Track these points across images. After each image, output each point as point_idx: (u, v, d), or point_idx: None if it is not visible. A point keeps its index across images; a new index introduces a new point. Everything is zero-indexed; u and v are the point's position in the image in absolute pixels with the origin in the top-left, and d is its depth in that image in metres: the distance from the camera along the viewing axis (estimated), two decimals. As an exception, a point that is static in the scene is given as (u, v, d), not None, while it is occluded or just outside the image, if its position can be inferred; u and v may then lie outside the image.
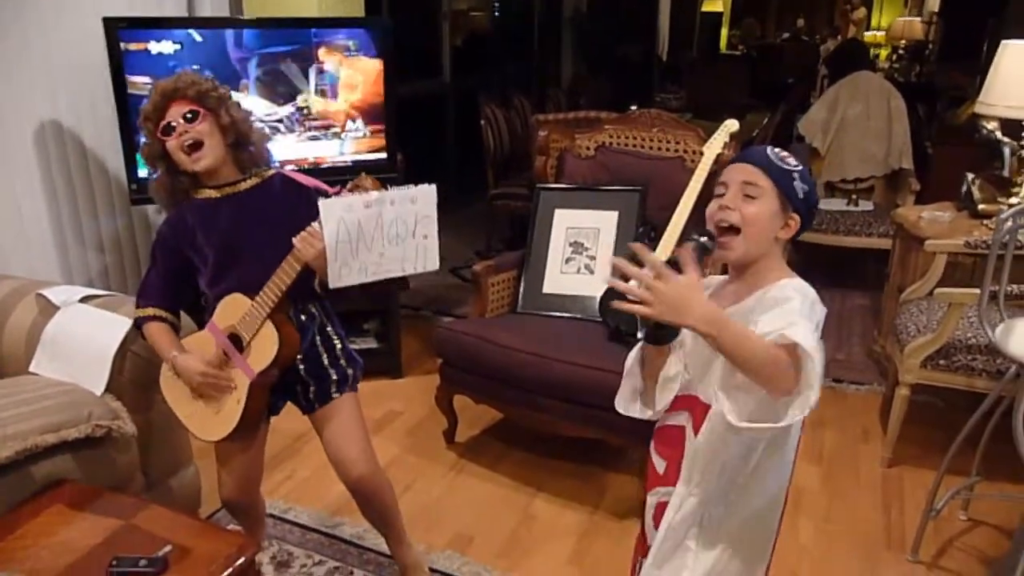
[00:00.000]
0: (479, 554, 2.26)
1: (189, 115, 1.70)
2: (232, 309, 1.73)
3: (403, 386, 3.22)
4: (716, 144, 2.64)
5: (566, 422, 2.47)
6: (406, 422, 2.98)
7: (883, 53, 10.91)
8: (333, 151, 3.11)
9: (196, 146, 1.70)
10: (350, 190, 1.61)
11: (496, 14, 6.97)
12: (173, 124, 1.70)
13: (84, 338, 2.03)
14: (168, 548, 1.55)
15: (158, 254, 1.84)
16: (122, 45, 2.70)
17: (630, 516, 2.41)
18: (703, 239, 1.28)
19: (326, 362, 1.85)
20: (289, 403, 1.91)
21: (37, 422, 1.78)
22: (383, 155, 3.20)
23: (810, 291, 1.27)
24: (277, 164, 1.85)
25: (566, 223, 2.77)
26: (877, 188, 4.43)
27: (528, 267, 2.79)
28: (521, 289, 2.79)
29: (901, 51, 9.66)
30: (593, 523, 2.40)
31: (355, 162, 3.13)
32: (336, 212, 1.55)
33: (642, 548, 1.54)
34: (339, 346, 1.88)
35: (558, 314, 2.69)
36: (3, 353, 2.11)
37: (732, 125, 2.67)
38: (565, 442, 2.66)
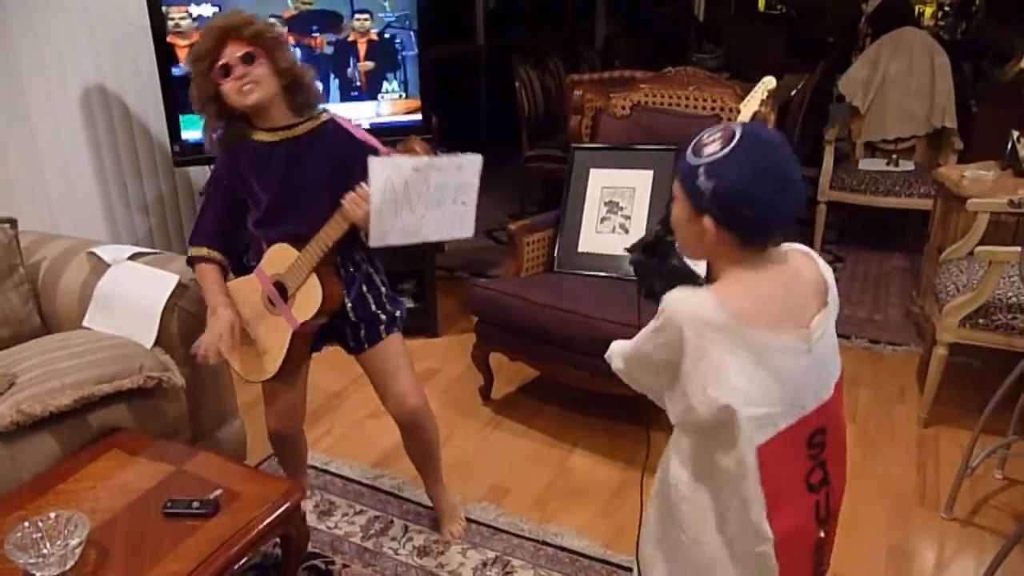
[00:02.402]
0: (514, 506, 2.31)
1: (246, 58, 1.68)
2: (279, 258, 1.78)
3: (439, 345, 3.27)
4: (753, 101, 2.58)
5: (601, 379, 2.49)
6: (442, 380, 3.03)
7: (928, 10, 10.55)
8: (370, 112, 3.14)
9: (253, 88, 1.69)
10: (400, 151, 1.63)
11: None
12: (230, 64, 1.68)
13: (134, 294, 2.10)
14: (219, 491, 1.63)
15: (212, 194, 1.87)
16: (164, 9, 2.74)
17: (663, 472, 2.45)
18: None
19: (373, 307, 1.90)
20: (325, 360, 1.97)
21: (92, 372, 1.86)
22: (418, 116, 3.23)
23: (682, 307, 1.15)
24: (326, 108, 1.85)
25: (601, 182, 2.78)
26: (918, 148, 4.34)
27: (563, 226, 2.81)
28: (556, 248, 2.81)
29: (947, 8, 9.34)
30: (627, 478, 2.44)
31: (391, 124, 3.16)
32: (384, 171, 1.58)
33: None
34: (384, 291, 1.94)
35: (593, 273, 2.71)
36: (58, 308, 2.19)
37: (769, 82, 2.61)
38: (600, 399, 2.69)
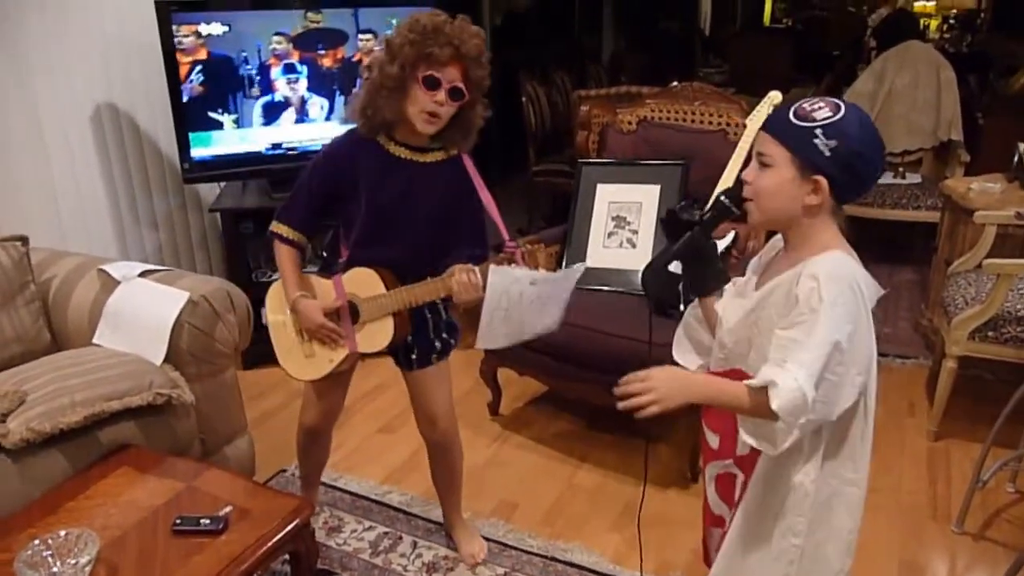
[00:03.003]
0: (523, 521, 2.31)
1: (455, 92, 1.64)
2: (364, 284, 1.77)
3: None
4: (759, 116, 2.61)
5: (608, 394, 2.48)
6: (450, 395, 3.03)
7: (933, 23, 10.59)
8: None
9: (436, 116, 1.65)
10: (523, 256, 1.63)
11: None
12: (440, 82, 1.62)
13: (144, 311, 2.11)
14: (228, 508, 1.63)
15: (313, 179, 1.79)
16: (174, 27, 2.77)
17: (673, 487, 2.44)
18: (726, 200, 1.29)
19: (432, 334, 1.90)
20: None
21: (102, 390, 1.87)
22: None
23: (846, 274, 1.17)
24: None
25: (608, 197, 2.78)
26: (925, 160, 4.34)
27: (571, 241, 2.81)
28: (564, 263, 2.81)
29: (952, 21, 9.37)
30: (636, 494, 2.42)
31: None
32: (503, 283, 1.58)
33: (709, 518, 1.56)
34: (444, 317, 1.93)
35: (601, 288, 2.70)
36: (68, 326, 2.20)
37: (775, 97, 2.64)
38: (608, 414, 2.67)
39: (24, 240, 2.17)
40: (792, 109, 1.20)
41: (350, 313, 1.79)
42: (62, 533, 1.45)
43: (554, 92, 5.01)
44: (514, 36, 6.28)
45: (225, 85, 2.92)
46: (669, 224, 1.35)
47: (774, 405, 1.13)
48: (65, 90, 2.80)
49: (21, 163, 2.68)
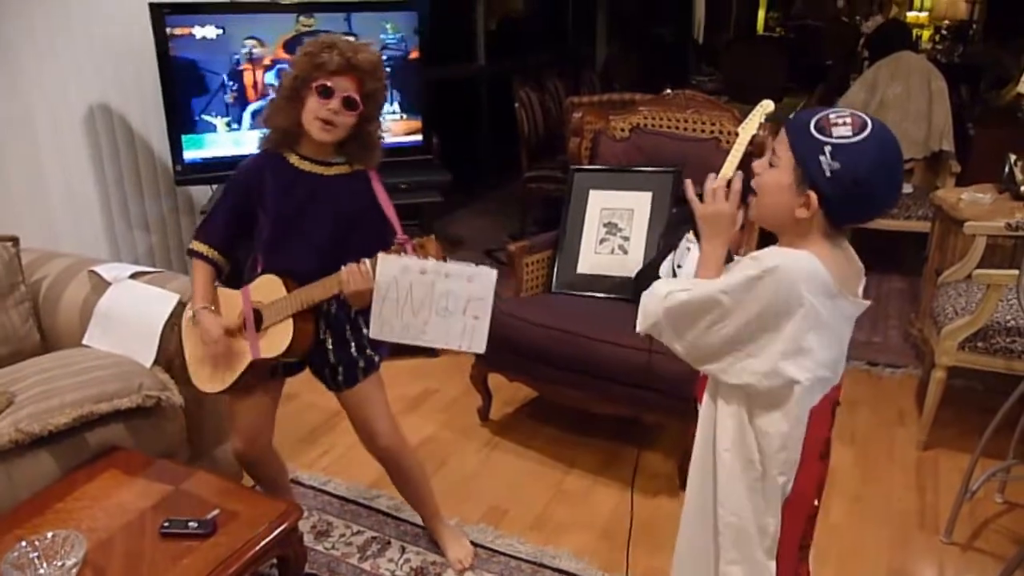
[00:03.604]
0: (513, 527, 2.31)
1: (348, 102, 1.69)
2: (267, 289, 1.79)
3: (438, 364, 3.27)
4: (751, 125, 2.60)
5: (599, 400, 2.50)
6: (441, 399, 3.03)
7: (925, 34, 10.67)
8: (370, 133, 3.16)
9: (331, 125, 1.70)
10: (414, 247, 1.61)
11: (528, -3, 6.97)
12: (333, 91, 1.67)
13: (134, 313, 2.11)
14: (216, 512, 1.63)
15: (228, 194, 1.86)
16: (168, 30, 2.77)
17: (662, 494, 2.44)
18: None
19: (354, 350, 1.89)
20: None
21: (91, 391, 1.87)
22: (419, 138, 3.25)
23: (797, 269, 1.15)
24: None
25: (600, 204, 2.79)
26: (916, 170, 4.37)
27: (562, 247, 2.82)
28: (555, 269, 2.82)
29: (944, 31, 9.45)
30: (625, 500, 2.43)
31: (389, 145, 3.18)
32: (391, 270, 1.57)
33: None
34: (366, 333, 1.87)
35: (592, 294, 2.71)
36: (58, 326, 2.20)
37: (768, 106, 2.62)
38: (598, 420, 2.70)
39: (15, 240, 2.16)
40: (816, 116, 1.17)
41: (255, 318, 1.80)
42: (49, 535, 1.45)
43: (547, 98, 5.02)
44: (508, 42, 6.30)
45: (218, 87, 2.92)
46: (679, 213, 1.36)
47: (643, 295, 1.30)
48: (58, 91, 2.79)
49: (13, 163, 2.67)
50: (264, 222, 1.81)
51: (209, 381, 1.87)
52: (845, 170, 1.13)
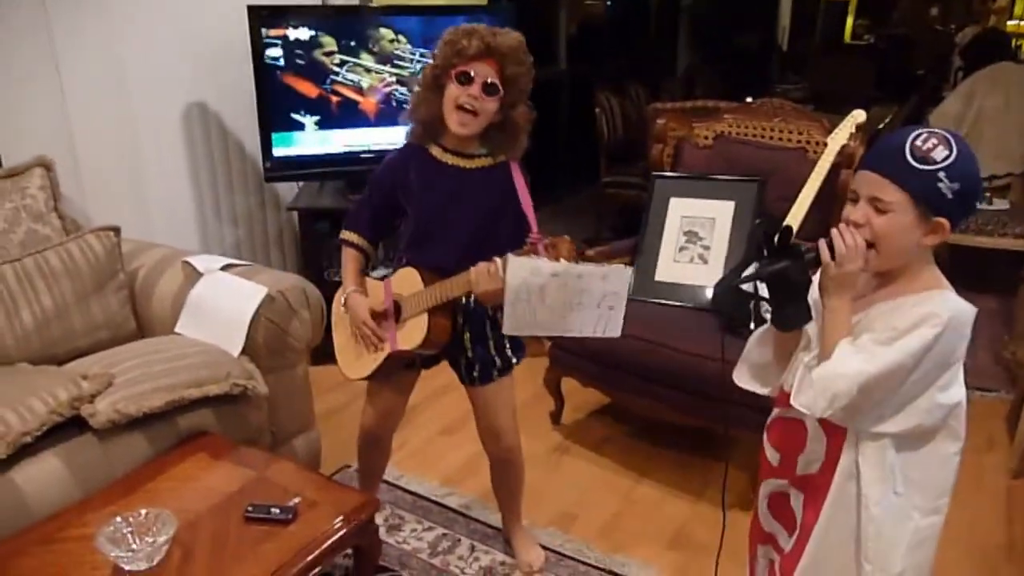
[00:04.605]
0: (582, 533, 2.30)
1: (489, 87, 1.68)
2: (406, 282, 1.82)
3: (510, 367, 3.29)
4: (841, 135, 2.56)
5: (672, 409, 2.47)
6: (512, 402, 3.04)
7: (1026, 44, 10.17)
8: (453, 135, 3.20)
9: (472, 113, 1.69)
10: (546, 247, 1.61)
11: (609, 3, 6.94)
12: (472, 76, 1.67)
13: (224, 304, 2.19)
14: (297, 499, 1.67)
15: (373, 187, 1.90)
16: (263, 31, 2.87)
17: (733, 508, 2.38)
18: (808, 254, 1.24)
19: (492, 348, 1.91)
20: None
21: (183, 377, 1.94)
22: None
23: (964, 316, 1.19)
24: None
25: (681, 212, 2.76)
26: (1014, 186, 4.18)
27: (641, 254, 2.79)
28: (633, 276, 2.79)
29: (1047, 41, 8.98)
30: (696, 513, 2.40)
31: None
32: (521, 272, 1.55)
33: (759, 535, 1.55)
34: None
35: (669, 302, 2.68)
36: (153, 313, 2.30)
37: (859, 116, 2.59)
38: (670, 429, 2.66)
39: (116, 230, 2.26)
40: (907, 149, 1.16)
41: (395, 310, 1.83)
42: (142, 512, 1.51)
43: (628, 104, 5.00)
44: (589, 46, 6.29)
45: (312, 86, 3.00)
46: (767, 242, 1.28)
47: (815, 372, 1.24)
48: (159, 90, 2.92)
49: (117, 158, 2.81)
50: (409, 215, 1.84)
51: (351, 368, 1.94)
52: (963, 186, 1.16)
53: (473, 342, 1.88)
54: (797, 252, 1.25)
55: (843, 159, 2.55)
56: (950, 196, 1.15)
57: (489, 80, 1.68)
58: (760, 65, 7.58)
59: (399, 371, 1.95)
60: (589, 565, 2.15)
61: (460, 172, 1.79)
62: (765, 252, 1.27)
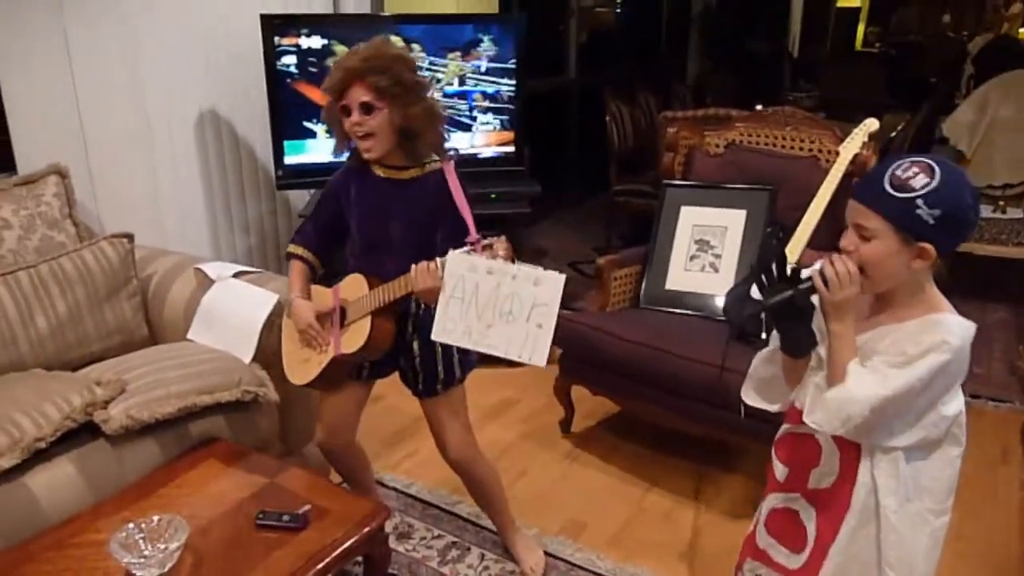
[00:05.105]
0: (591, 542, 2.29)
1: (364, 107, 1.72)
2: (353, 287, 1.86)
3: (520, 375, 3.27)
4: (854, 144, 2.56)
5: (683, 419, 2.47)
6: (522, 410, 3.04)
7: (1039, 51, 10.12)
8: (463, 143, 3.21)
9: (367, 137, 1.75)
10: (484, 247, 1.61)
11: (619, 10, 6.95)
12: (349, 108, 1.73)
13: (236, 311, 2.20)
14: (308, 507, 1.67)
15: (321, 204, 1.98)
16: (276, 39, 2.88)
17: (743, 518, 2.38)
18: (806, 283, 1.26)
19: (439, 360, 1.91)
20: None
21: (195, 384, 1.95)
22: (511, 149, 3.29)
23: (967, 336, 1.22)
24: (454, 151, 1.90)
25: (692, 220, 2.76)
26: (1028, 195, 4.15)
27: (651, 263, 2.79)
28: (644, 284, 2.80)
29: (1061, 49, 8.93)
30: (706, 522, 2.39)
31: (484, 157, 3.23)
32: (459, 269, 1.58)
33: (750, 550, 1.55)
34: (454, 346, 1.90)
35: (680, 311, 2.68)
36: (165, 320, 2.31)
37: (872, 124, 2.58)
38: (681, 439, 2.65)
39: (130, 237, 2.28)
40: (887, 178, 1.20)
41: (341, 315, 1.86)
42: (155, 519, 1.52)
43: (638, 112, 4.99)
44: (599, 54, 6.29)
45: (320, 95, 3.01)
46: (767, 272, 1.30)
47: (830, 393, 1.27)
48: (173, 97, 2.94)
49: (131, 165, 2.83)
50: (353, 231, 1.90)
51: (296, 374, 1.96)
52: (945, 211, 1.18)
53: (421, 351, 1.89)
54: (797, 280, 1.28)
55: (856, 168, 2.54)
56: (931, 222, 1.17)
57: (363, 101, 1.72)
58: (771, 73, 7.57)
59: (345, 380, 1.95)
60: (599, 574, 2.15)
61: (394, 185, 1.84)
62: (766, 282, 1.30)
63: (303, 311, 1.89)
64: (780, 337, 1.36)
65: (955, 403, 1.28)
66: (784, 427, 1.50)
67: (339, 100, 1.75)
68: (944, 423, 1.27)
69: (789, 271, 1.29)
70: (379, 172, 1.85)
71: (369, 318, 1.78)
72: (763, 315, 1.36)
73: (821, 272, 1.25)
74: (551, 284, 1.52)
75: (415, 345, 1.90)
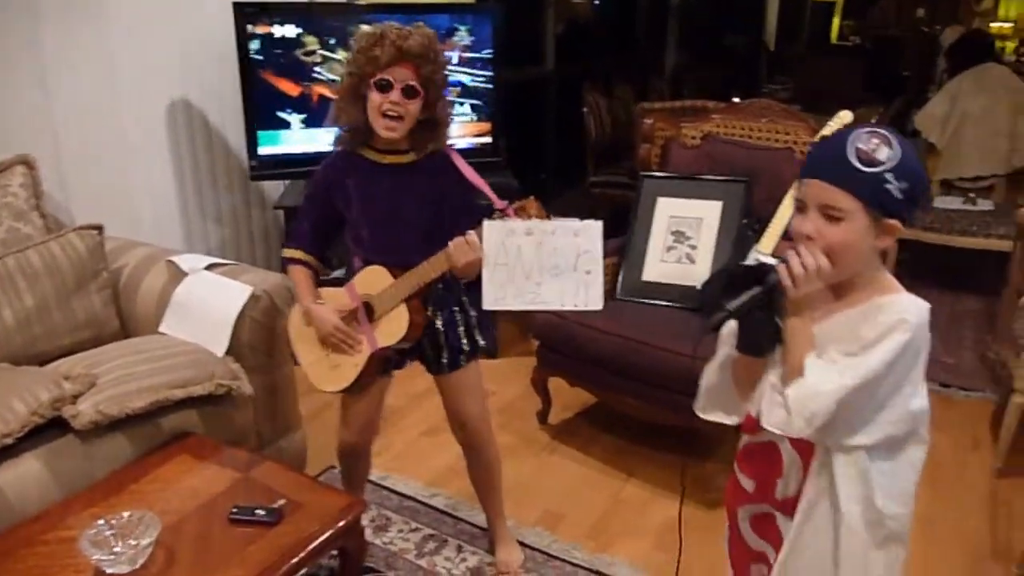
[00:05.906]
0: (568, 533, 2.30)
1: (408, 90, 1.69)
2: (373, 279, 1.80)
3: (498, 367, 3.28)
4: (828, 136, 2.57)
5: (660, 409, 2.47)
6: (499, 401, 3.03)
7: (1010, 45, 10.26)
8: (440, 134, 3.19)
9: (398, 118, 1.70)
10: (515, 211, 1.61)
11: (597, 2, 6.93)
12: (391, 83, 1.68)
13: (209, 303, 2.17)
14: (283, 501, 1.66)
15: (310, 199, 1.90)
16: (249, 28, 2.84)
17: (719, 506, 2.39)
18: (771, 278, 1.18)
19: (462, 333, 1.91)
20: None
21: (167, 377, 1.92)
22: (488, 140, 3.27)
23: (924, 314, 1.16)
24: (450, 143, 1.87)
25: (669, 212, 2.76)
26: (998, 187, 4.21)
27: (628, 254, 2.80)
28: (620, 275, 2.79)
29: (1030, 43, 9.06)
30: (684, 513, 2.38)
31: (460, 148, 3.20)
32: (498, 235, 1.57)
33: (747, 554, 1.50)
34: (475, 316, 1.93)
35: (657, 302, 2.68)
36: (137, 313, 2.27)
37: (846, 116, 2.56)
38: (658, 430, 2.66)
39: (100, 229, 2.24)
40: (851, 153, 1.12)
41: (366, 312, 1.81)
42: (125, 515, 1.49)
43: (615, 104, 5.00)
44: (576, 46, 6.28)
45: (294, 85, 2.98)
46: (730, 277, 1.25)
47: (790, 391, 1.19)
48: (144, 85, 2.88)
49: (101, 154, 2.77)
50: (358, 224, 1.83)
51: (329, 381, 1.89)
52: (911, 182, 1.13)
53: (445, 327, 1.88)
54: (763, 279, 1.21)
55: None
56: (899, 196, 1.12)
57: (408, 84, 1.69)
58: (748, 65, 7.61)
59: (375, 376, 1.92)
60: (576, 565, 2.15)
61: (398, 168, 1.80)
62: (731, 284, 1.22)
63: (325, 316, 1.83)
64: (741, 337, 1.27)
65: (919, 399, 1.20)
66: (744, 439, 1.44)
67: (378, 73, 1.68)
68: (909, 418, 1.20)
69: (755, 262, 1.23)
70: (377, 158, 1.80)
71: (404, 306, 1.76)
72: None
73: (789, 267, 1.16)
74: (591, 231, 1.57)
75: (438, 322, 1.88)
